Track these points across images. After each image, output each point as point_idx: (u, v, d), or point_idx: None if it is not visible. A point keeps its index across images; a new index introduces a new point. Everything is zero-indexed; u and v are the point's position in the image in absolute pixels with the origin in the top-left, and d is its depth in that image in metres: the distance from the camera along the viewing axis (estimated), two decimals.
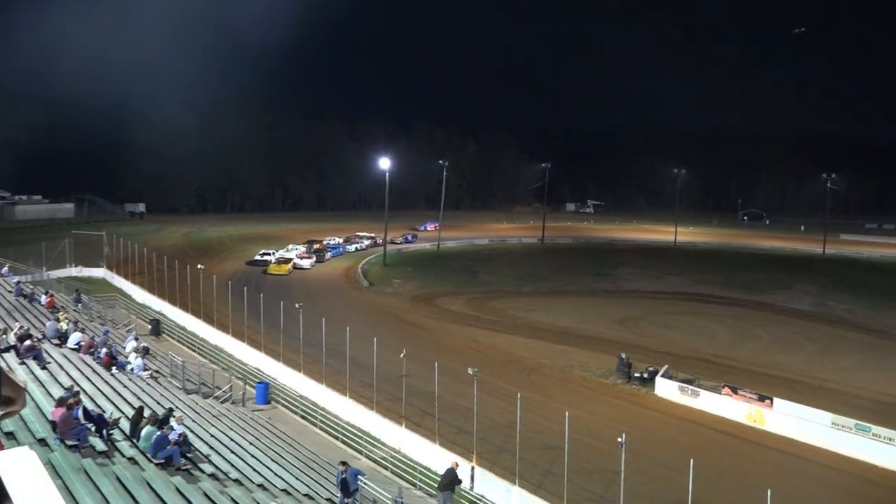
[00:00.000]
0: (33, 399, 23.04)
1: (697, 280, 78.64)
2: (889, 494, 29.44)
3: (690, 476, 22.08)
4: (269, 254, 79.69)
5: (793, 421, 36.82)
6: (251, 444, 27.99)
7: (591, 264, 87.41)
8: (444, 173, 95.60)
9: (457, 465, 26.89)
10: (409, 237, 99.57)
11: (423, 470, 29.72)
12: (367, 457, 31.37)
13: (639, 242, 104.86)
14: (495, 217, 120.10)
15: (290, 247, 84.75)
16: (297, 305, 49.28)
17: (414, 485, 28.51)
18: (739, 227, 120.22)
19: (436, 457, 29.70)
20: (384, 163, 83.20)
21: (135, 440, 22.23)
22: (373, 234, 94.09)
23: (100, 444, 20.84)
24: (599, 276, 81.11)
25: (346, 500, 23.32)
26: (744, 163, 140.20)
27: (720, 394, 40.10)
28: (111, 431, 22.11)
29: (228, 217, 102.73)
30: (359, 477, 23.91)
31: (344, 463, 24.66)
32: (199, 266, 51.85)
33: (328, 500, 24.12)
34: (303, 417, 35.65)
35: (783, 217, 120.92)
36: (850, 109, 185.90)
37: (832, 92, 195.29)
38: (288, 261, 76.63)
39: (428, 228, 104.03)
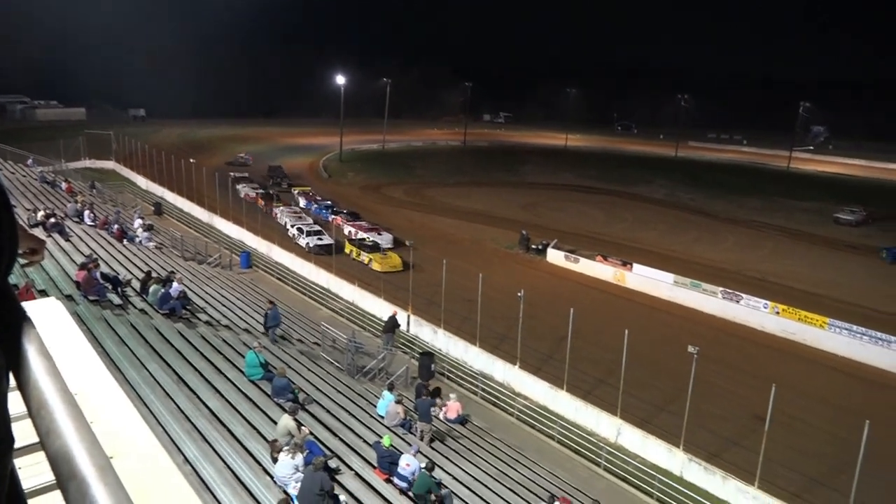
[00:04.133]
0: (59, 264, 22.39)
1: (582, 175, 79.32)
2: (708, 330, 31.19)
3: (570, 319, 23.02)
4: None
5: (646, 280, 38.39)
6: (238, 298, 27.93)
7: (501, 162, 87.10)
8: (388, 90, 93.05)
9: (396, 313, 27.41)
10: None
11: (370, 317, 30.20)
12: (328, 307, 31.65)
13: (539, 146, 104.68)
14: (429, 125, 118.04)
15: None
16: (243, 174, 48.46)
17: (364, 328, 29.00)
18: (614, 135, 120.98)
19: (381, 308, 30.12)
20: (340, 79, 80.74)
21: (144, 296, 21.93)
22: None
23: (116, 299, 20.51)
24: (508, 171, 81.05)
25: (266, 332, 22.53)
26: (620, 87, 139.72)
27: (594, 260, 41.40)
28: (125, 289, 21.73)
29: (216, 122, 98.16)
30: (279, 319, 22.86)
31: (271, 302, 24.32)
32: (191, 160, 49.99)
33: (299, 339, 24.41)
34: (278, 279, 35.55)
35: (648, 128, 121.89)
36: (708, 43, 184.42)
37: (687, 33, 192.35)
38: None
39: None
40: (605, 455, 19.95)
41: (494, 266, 38.16)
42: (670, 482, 18.58)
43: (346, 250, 39.62)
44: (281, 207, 47.86)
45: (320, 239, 40.02)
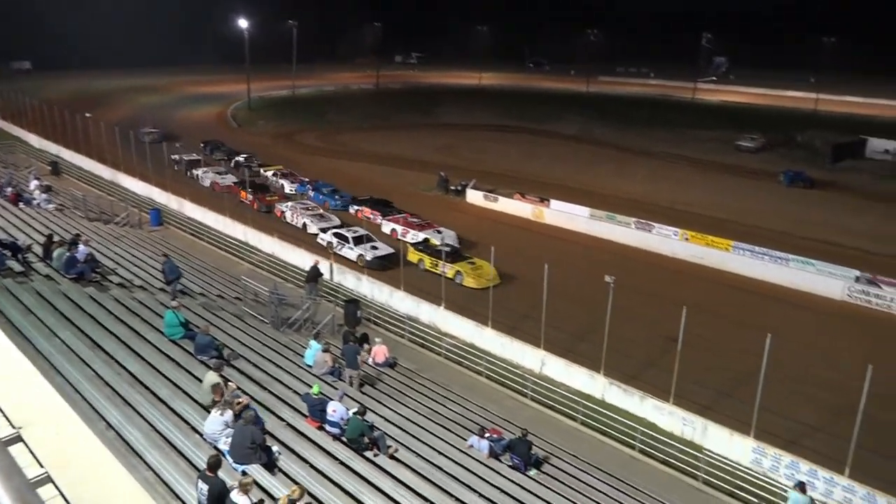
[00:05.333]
0: None
1: (497, 114, 79.44)
2: (624, 260, 32.42)
3: (492, 254, 23.41)
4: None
5: (563, 215, 39.37)
6: (150, 258, 26.89)
7: (416, 104, 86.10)
8: (295, 33, 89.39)
9: (318, 262, 27.15)
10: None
11: (292, 268, 29.80)
12: (247, 261, 30.99)
13: (453, 86, 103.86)
14: (340, 69, 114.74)
15: None
16: (176, 145, 46.22)
17: (286, 280, 28.63)
18: (527, 73, 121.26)
19: (302, 258, 29.72)
20: (243, 23, 76.93)
21: (48, 261, 20.81)
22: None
23: (17, 267, 19.38)
24: (423, 113, 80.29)
25: (168, 286, 21.56)
26: (531, 24, 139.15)
27: (513, 199, 42.02)
28: (26, 256, 20.52)
29: (111, 73, 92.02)
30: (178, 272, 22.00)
31: (165, 255, 23.43)
32: (87, 115, 47.02)
33: (218, 295, 23.88)
34: (192, 235, 34.40)
35: (560, 65, 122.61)
36: None
37: None
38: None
39: None
40: (530, 386, 20.74)
41: (415, 209, 38.08)
42: (592, 405, 19.57)
43: (411, 258, 30.99)
44: (289, 204, 37.63)
45: (375, 248, 31.05)
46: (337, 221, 35.06)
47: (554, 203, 40.34)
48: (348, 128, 69.50)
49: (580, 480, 15.21)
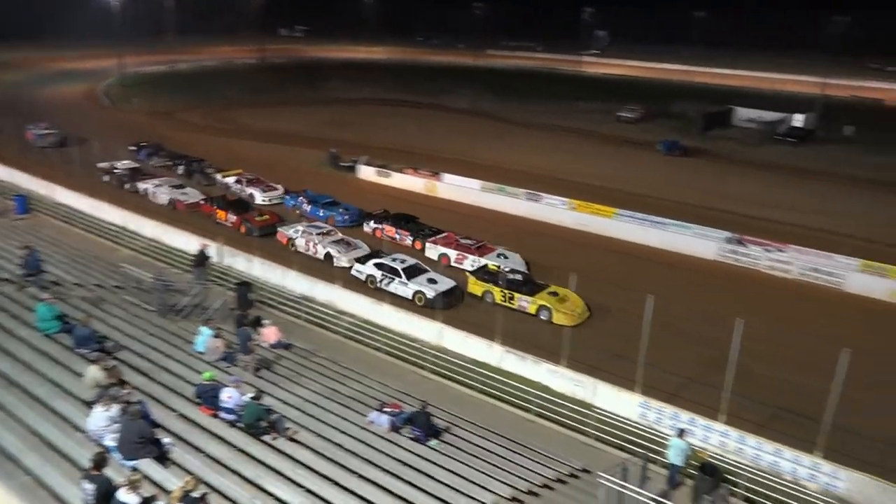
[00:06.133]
0: None
1: (387, 88, 78.91)
2: (515, 230, 33.21)
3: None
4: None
5: (455, 188, 39.83)
6: (18, 248, 24.92)
7: (303, 79, 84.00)
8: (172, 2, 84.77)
9: (206, 246, 26.14)
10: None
11: (178, 253, 28.53)
12: (128, 247, 29.38)
13: (341, 60, 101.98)
14: (221, 41, 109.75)
15: None
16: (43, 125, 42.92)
17: (172, 265, 27.39)
18: (416, 46, 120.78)
19: (187, 242, 28.49)
20: None
21: None
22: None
23: None
24: (311, 88, 78.48)
25: (29, 279, 19.94)
26: None
27: (405, 173, 42.01)
28: None
29: None
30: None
31: (27, 247, 21.84)
32: None
33: (96, 285, 22.53)
34: (64, 222, 32.16)
35: (448, 38, 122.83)
36: None
37: None
38: None
39: None
40: (429, 358, 21.00)
41: (307, 185, 37.33)
42: (490, 373, 20.07)
43: (473, 291, 26.12)
44: (298, 227, 30.45)
45: (434, 282, 25.61)
46: (366, 248, 29.13)
47: (446, 177, 40.69)
48: (235, 104, 66.95)
49: (479, 446, 15.61)
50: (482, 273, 26.48)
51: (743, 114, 65.12)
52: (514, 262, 27.95)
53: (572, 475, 15.28)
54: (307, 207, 34.88)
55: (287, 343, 20.18)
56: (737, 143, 57.32)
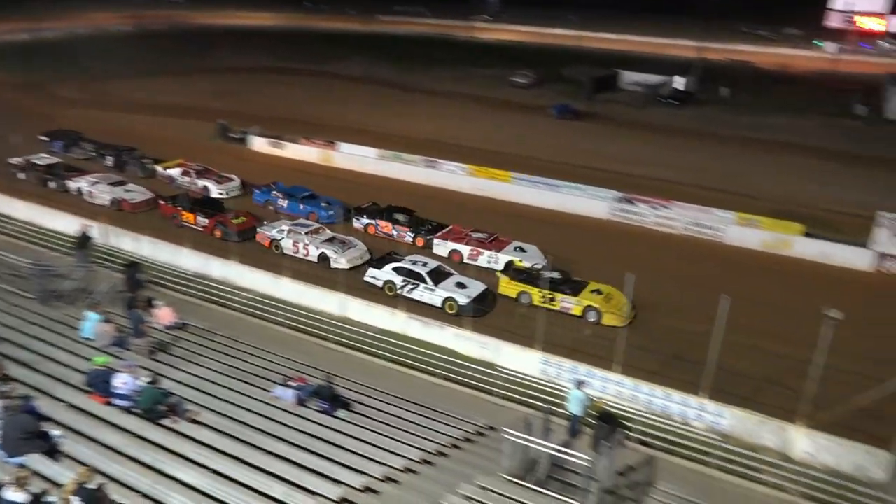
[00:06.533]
0: None
1: (278, 56, 76.24)
2: (413, 197, 32.84)
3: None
4: None
5: (352, 157, 39.36)
6: None
7: (187, 47, 79.79)
8: None
9: (87, 226, 24.65)
10: None
11: (57, 235, 26.73)
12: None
13: (227, 27, 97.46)
14: (91, 6, 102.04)
15: None
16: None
17: (51, 249, 25.65)
18: (305, 11, 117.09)
19: (67, 223, 26.72)
20: None
21: None
22: None
23: None
24: (196, 57, 74.67)
25: None
26: None
27: (300, 143, 41.04)
28: None
29: None
30: None
31: None
32: None
33: None
34: None
35: (338, 3, 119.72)
36: None
37: None
38: None
39: None
40: (333, 329, 20.84)
41: (199, 158, 35.77)
42: (396, 341, 20.18)
43: (505, 293, 24.05)
44: (282, 226, 27.52)
45: (463, 286, 23.44)
46: (363, 246, 26.88)
47: (342, 146, 40.06)
48: (114, 76, 62.68)
49: (389, 413, 15.73)
50: (516, 273, 24.42)
51: (629, 77, 67.57)
52: (533, 256, 26.15)
53: (479, 433, 15.70)
54: (283, 203, 31.42)
55: (183, 323, 19.44)
56: (624, 105, 59.51)
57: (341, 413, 15.21)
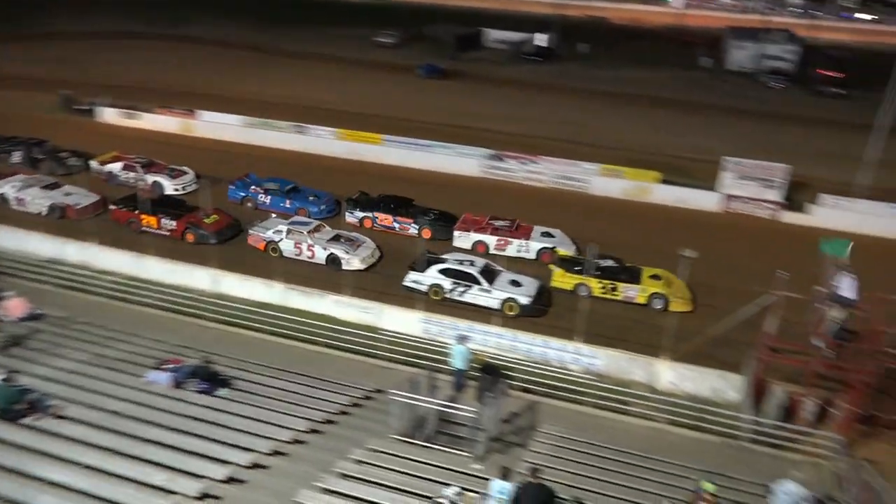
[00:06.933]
0: None
1: (119, 19, 70.41)
2: (285, 164, 32.13)
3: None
4: None
5: (215, 126, 37.54)
6: None
7: (13, 11, 71.98)
8: None
9: None
10: None
11: None
12: None
13: None
14: None
15: None
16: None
17: None
18: None
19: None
20: None
21: None
22: None
23: None
24: (25, 22, 67.63)
25: None
26: None
27: (156, 113, 38.57)
28: None
29: None
30: None
31: None
32: None
33: None
34: None
35: None
36: None
37: None
38: None
39: None
40: (207, 307, 20.03)
41: (45, 134, 32.77)
42: (275, 313, 19.68)
43: (559, 285, 22.37)
44: (280, 227, 24.39)
45: (517, 284, 21.66)
46: (372, 243, 24.55)
47: (202, 114, 38.02)
48: None
49: (273, 387, 15.41)
50: (570, 264, 22.85)
51: (492, 35, 68.45)
52: (561, 241, 25.12)
53: (367, 398, 15.76)
54: (265, 199, 28.01)
55: (38, 313, 18.00)
56: (489, 63, 60.33)
57: (222, 391, 14.76)
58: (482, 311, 20.63)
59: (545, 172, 33.01)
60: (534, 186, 32.78)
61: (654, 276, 22.33)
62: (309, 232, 24.13)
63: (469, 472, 12.21)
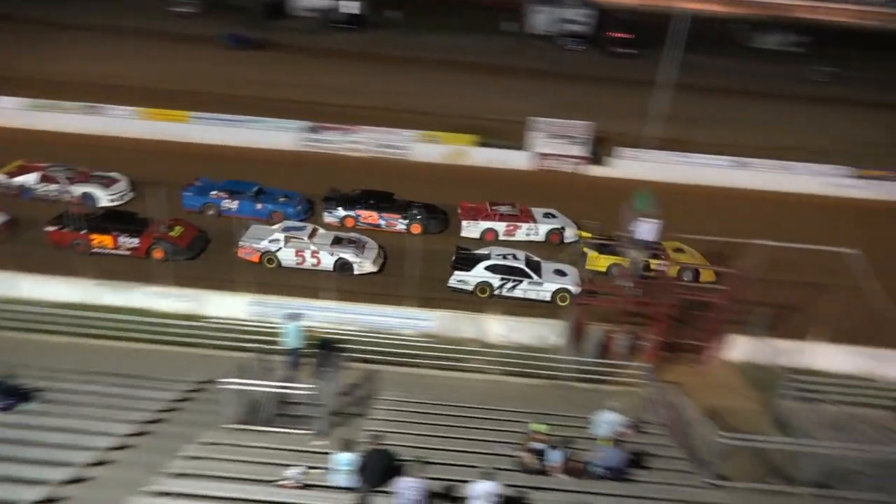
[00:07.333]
0: None
1: None
2: (82, 150, 29.20)
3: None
4: None
5: None
6: None
7: None
8: None
9: None
10: None
11: None
12: None
13: None
14: None
15: None
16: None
17: None
18: None
19: None
20: None
21: None
22: None
23: None
24: None
25: None
26: None
27: None
28: None
29: None
30: None
31: None
32: None
33: None
34: None
35: None
36: None
37: None
38: None
39: None
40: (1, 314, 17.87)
41: None
42: (81, 312, 18.00)
43: (596, 267, 22.72)
44: (275, 235, 21.96)
45: (561, 273, 21.50)
46: (374, 243, 22.94)
47: None
48: None
49: (88, 393, 14.12)
50: (602, 245, 23.11)
51: (300, 2, 66.29)
52: (562, 219, 25.57)
53: (196, 390, 14.98)
54: (230, 204, 25.19)
55: None
56: (299, 33, 58.50)
57: (28, 406, 13.33)
58: (315, 287, 20.24)
59: (364, 142, 32.88)
60: (354, 157, 32.55)
61: (679, 250, 23.32)
62: (308, 238, 22.23)
63: (311, 449, 12.11)
